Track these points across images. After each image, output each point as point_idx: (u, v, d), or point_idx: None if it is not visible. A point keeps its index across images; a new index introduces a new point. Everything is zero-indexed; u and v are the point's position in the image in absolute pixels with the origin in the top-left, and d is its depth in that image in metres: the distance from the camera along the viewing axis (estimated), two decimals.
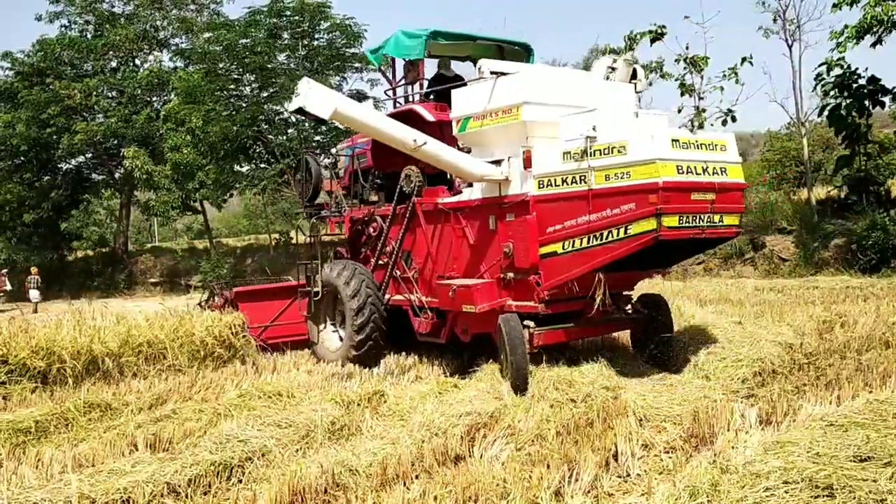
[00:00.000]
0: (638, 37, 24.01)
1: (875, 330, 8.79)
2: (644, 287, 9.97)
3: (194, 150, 27.75)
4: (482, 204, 8.58)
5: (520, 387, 7.20)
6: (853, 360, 7.54)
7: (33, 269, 28.01)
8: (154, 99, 33.43)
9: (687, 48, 23.58)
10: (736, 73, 22.85)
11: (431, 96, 10.13)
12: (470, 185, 8.78)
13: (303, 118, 11.70)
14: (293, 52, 27.71)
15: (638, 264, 8.03)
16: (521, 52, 10.75)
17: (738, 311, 11.91)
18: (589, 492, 4.60)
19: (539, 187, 7.86)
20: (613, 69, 9.03)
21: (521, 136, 8.11)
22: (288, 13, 26.89)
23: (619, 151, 7.18)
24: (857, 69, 19.18)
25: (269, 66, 26.90)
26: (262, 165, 28.56)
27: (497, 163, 8.32)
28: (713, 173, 7.42)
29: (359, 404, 6.75)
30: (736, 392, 6.87)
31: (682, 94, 23.83)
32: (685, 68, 23.63)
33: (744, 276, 19.17)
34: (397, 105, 10.57)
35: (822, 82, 19.83)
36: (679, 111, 24.00)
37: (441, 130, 9.00)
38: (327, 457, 5.32)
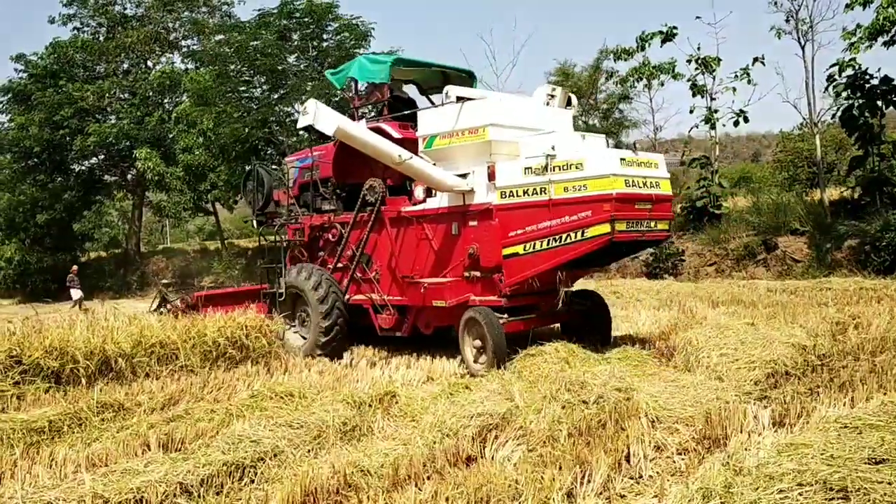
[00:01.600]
0: (649, 37, 24.00)
1: (889, 331, 8.74)
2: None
3: (206, 151, 27.89)
4: (447, 212, 9.78)
5: (499, 364, 8.53)
6: (867, 362, 7.50)
7: (73, 268, 28.01)
8: (166, 101, 33.59)
9: (699, 49, 23.62)
10: (748, 74, 22.83)
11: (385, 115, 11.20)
12: (432, 194, 9.97)
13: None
14: (303, 54, 27.77)
15: (585, 263, 9.60)
16: (467, 79, 12.10)
17: (750, 312, 11.87)
18: (601, 493, 4.59)
19: (501, 197, 9.11)
20: (553, 96, 10.35)
21: (486, 153, 9.33)
22: (297, 14, 26.96)
23: (577, 167, 8.46)
24: (867, 69, 19.10)
25: (279, 67, 26.98)
26: (273, 167, 28.61)
27: (463, 176, 9.50)
28: (650, 186, 8.81)
29: (370, 405, 6.75)
30: (749, 394, 6.83)
31: (694, 95, 23.83)
32: (697, 69, 23.63)
33: (756, 277, 19.10)
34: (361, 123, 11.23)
35: (835, 83, 19.74)
36: (691, 112, 23.99)
37: (404, 146, 9.72)
38: (339, 457, 5.32)
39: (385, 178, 10.58)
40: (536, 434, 5.71)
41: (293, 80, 27.03)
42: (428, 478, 4.93)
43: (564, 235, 8.52)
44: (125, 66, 34.60)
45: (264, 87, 28.33)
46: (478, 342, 8.98)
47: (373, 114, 12.19)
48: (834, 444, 4.61)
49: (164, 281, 13.90)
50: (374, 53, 14.24)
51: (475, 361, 8.96)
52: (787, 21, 22.13)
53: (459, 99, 9.56)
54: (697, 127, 24.30)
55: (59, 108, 30.97)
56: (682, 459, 5.17)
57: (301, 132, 28.25)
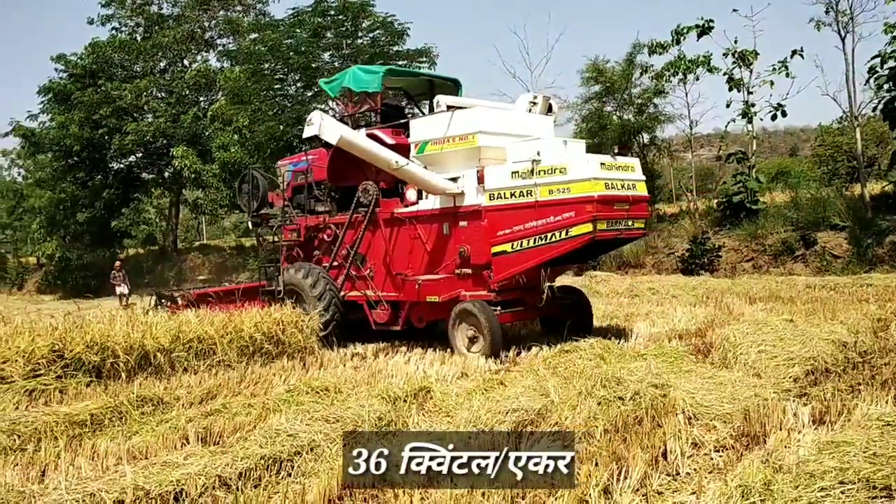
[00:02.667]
0: (685, 31, 23.73)
1: None
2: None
3: (242, 149, 28.12)
4: (439, 213, 10.51)
5: (495, 352, 9.37)
6: None
7: (117, 263, 28.26)
8: (202, 99, 33.95)
9: (735, 42, 23.29)
10: (786, 67, 22.47)
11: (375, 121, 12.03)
12: (424, 196, 10.68)
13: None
14: (337, 51, 27.90)
15: (567, 260, 10.42)
16: (452, 87, 12.71)
17: (788, 308, 11.71)
18: (638, 490, 4.56)
19: (490, 199, 9.85)
20: (535, 103, 11.07)
21: (475, 158, 10.10)
22: (332, 12, 27.08)
23: (560, 171, 9.22)
24: None
25: (313, 65, 27.12)
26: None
27: (454, 179, 10.24)
28: (628, 188, 9.63)
29: (405, 400, 6.76)
30: (788, 391, 6.73)
31: (731, 89, 23.51)
32: (733, 62, 23.31)
33: (794, 273, 18.83)
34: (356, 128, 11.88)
35: (876, 75, 19.37)
36: (727, 106, 23.68)
37: (397, 152, 10.51)
38: None
39: (378, 181, 11.22)
40: (572, 430, 5.68)
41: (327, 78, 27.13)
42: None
43: (549, 234, 9.27)
44: (162, 64, 35.02)
45: (298, 84, 28.50)
46: (471, 332, 9.74)
47: (362, 123, 12.63)
48: (877, 442, 4.54)
49: (162, 292, 14.82)
50: (366, 64, 15.09)
51: (469, 350, 9.74)
52: (827, 13, 21.77)
53: (450, 108, 10.41)
54: (734, 121, 23.99)
55: (97, 107, 31.39)
56: (720, 457, 5.11)
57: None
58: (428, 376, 8.30)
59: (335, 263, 11.78)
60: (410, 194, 10.85)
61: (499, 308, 9.76)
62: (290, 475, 5.04)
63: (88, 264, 33.94)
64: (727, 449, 5.25)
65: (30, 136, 33.66)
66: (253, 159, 27.96)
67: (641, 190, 9.95)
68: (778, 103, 23.20)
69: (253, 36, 30.18)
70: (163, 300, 13.27)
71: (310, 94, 27.90)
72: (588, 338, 9.19)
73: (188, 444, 5.76)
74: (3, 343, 7.97)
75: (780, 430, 5.39)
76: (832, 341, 8.15)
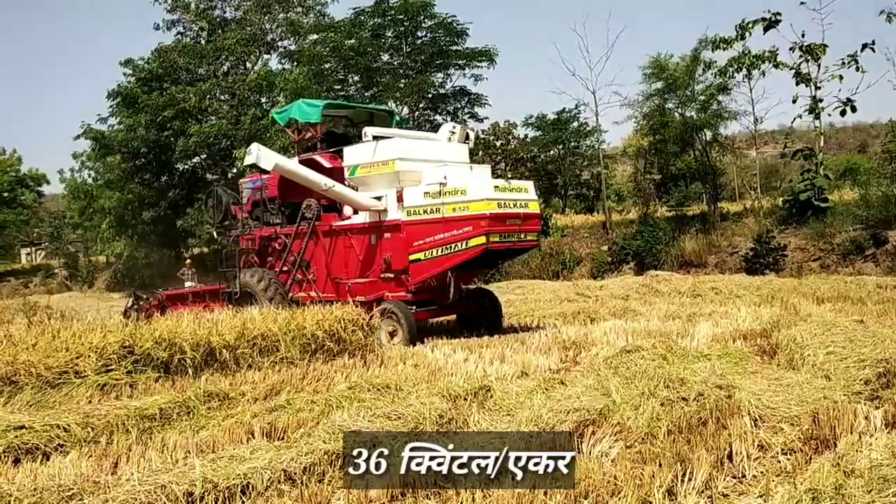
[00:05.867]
0: (750, 25, 23.24)
1: None
2: None
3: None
4: (367, 226, 12.38)
5: (412, 342, 10.90)
6: None
7: (187, 260, 28.88)
8: (263, 100, 34.51)
9: (803, 36, 22.74)
10: (856, 61, 21.88)
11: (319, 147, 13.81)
12: (356, 212, 12.51)
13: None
14: (397, 52, 28.06)
15: (474, 266, 12.22)
16: (387, 116, 15.09)
17: (858, 309, 11.40)
18: (703, 492, 4.49)
19: (408, 215, 11.65)
20: (454, 132, 13.02)
21: (395, 180, 11.96)
22: (392, 12, 27.25)
23: (461, 193, 11.05)
24: None
25: (373, 65, 27.33)
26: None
27: (378, 198, 12.11)
28: (520, 206, 11.38)
29: (465, 399, 6.77)
30: (858, 393, 6.55)
31: (798, 84, 22.96)
32: (801, 57, 22.76)
33: (864, 272, 18.30)
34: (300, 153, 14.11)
35: None
36: (794, 102, 23.13)
37: (333, 174, 12.46)
38: None
39: (320, 198, 12.80)
40: (635, 431, 5.63)
41: (386, 78, 27.33)
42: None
43: (453, 245, 11.07)
44: (225, 67, 35.69)
45: (358, 85, 28.75)
46: (391, 327, 11.26)
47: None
48: None
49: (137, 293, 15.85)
50: (310, 98, 17.18)
51: (390, 341, 11.11)
52: None
53: (375, 138, 12.33)
54: (801, 117, 23.44)
55: (163, 109, 32.14)
56: (788, 459, 5.00)
57: (398, 124, 28.68)
58: (488, 375, 8.29)
59: (284, 269, 13.36)
60: (347, 210, 12.66)
61: (414, 307, 11.40)
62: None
63: (154, 263, 34.78)
64: (795, 452, 5.13)
65: (99, 138, 34.62)
66: None
67: (534, 208, 11.77)
68: (847, 98, 22.61)
69: (313, 37, 30.54)
70: (140, 300, 14.40)
71: (368, 94, 28.14)
72: (499, 335, 11.32)
73: (253, 438, 5.87)
74: (76, 339, 8.21)
75: (851, 433, 5.25)
76: None
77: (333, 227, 12.86)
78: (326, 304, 11.14)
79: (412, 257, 11.55)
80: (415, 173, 11.80)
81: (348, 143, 13.36)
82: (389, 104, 30.43)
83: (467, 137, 13.21)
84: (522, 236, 11.49)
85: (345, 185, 12.43)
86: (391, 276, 11.91)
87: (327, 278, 12.92)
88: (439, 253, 11.20)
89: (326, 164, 12.90)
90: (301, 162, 13.09)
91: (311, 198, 12.83)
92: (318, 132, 13.92)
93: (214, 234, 14.97)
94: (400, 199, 11.76)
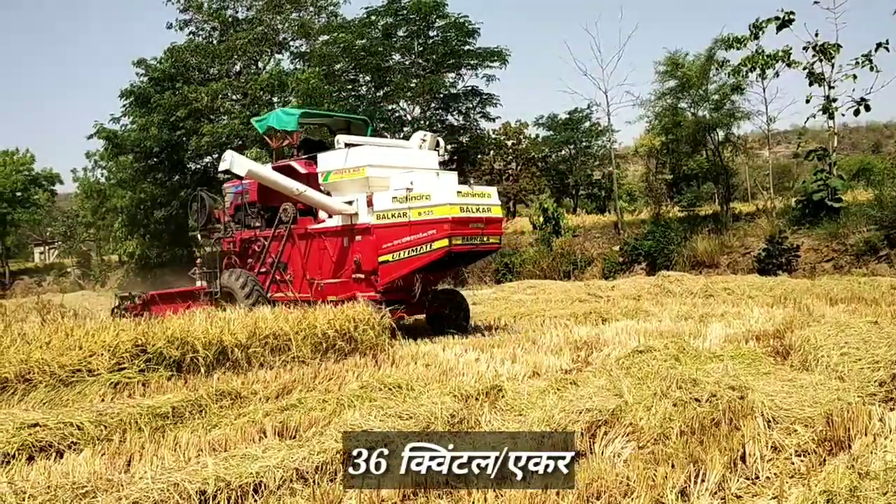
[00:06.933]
0: (763, 24, 23.13)
1: None
2: None
3: None
4: (339, 229, 12.89)
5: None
6: None
7: (198, 260, 28.89)
8: (275, 100, 34.59)
9: (816, 35, 22.61)
10: (870, 61, 21.74)
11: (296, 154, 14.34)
12: (330, 216, 13.02)
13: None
14: (408, 51, 28.07)
15: (440, 268, 12.51)
16: (362, 125, 15.63)
17: (872, 310, 11.33)
18: (716, 493, 4.47)
19: (377, 219, 12.16)
20: (425, 140, 13.64)
21: (365, 186, 12.51)
22: (404, 12, 27.25)
23: (426, 198, 11.55)
24: None
25: (385, 65, 27.34)
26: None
27: (349, 202, 12.65)
28: (483, 211, 11.93)
29: (476, 398, 6.76)
30: (873, 395, 6.49)
31: (811, 84, 22.84)
32: (814, 56, 22.64)
33: (878, 273, 18.17)
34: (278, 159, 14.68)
35: None
36: (807, 101, 23.01)
37: (308, 180, 13.14)
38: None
39: (296, 203, 13.32)
40: (647, 431, 5.61)
41: (398, 78, 27.33)
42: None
43: (418, 247, 11.57)
44: (237, 67, 35.80)
45: (369, 84, 28.78)
46: None
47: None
48: None
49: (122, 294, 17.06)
50: (287, 107, 18.26)
51: None
52: None
53: (347, 145, 12.78)
54: (814, 117, 23.31)
55: (175, 109, 32.27)
56: (802, 461, 4.97)
57: (409, 122, 28.74)
58: (499, 375, 8.28)
59: (263, 270, 13.94)
60: (322, 214, 13.20)
61: (382, 306, 11.44)
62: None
63: (167, 262, 34.91)
64: (809, 453, 5.10)
65: (112, 138, 34.78)
66: None
67: (496, 213, 12.32)
68: (861, 98, 22.48)
69: (324, 37, 30.58)
70: (125, 300, 15.18)
71: (380, 93, 28.16)
72: (464, 335, 11.95)
73: (265, 437, 5.88)
74: (89, 337, 8.26)
75: (866, 435, 5.20)
76: None
77: (309, 231, 13.41)
78: (303, 304, 11.68)
79: (381, 259, 12.07)
80: (384, 179, 12.33)
81: (326, 150, 13.88)
82: (401, 104, 30.49)
83: (438, 145, 13.81)
84: (485, 239, 11.99)
85: (320, 190, 12.99)
86: (361, 276, 12.48)
87: (303, 279, 13.48)
88: (406, 255, 11.73)
89: (302, 170, 13.49)
90: (278, 168, 13.71)
91: (288, 202, 13.39)
92: (295, 139, 14.58)
93: (199, 236, 15.66)
94: (370, 203, 12.31)
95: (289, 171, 13.43)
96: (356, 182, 12.60)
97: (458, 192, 11.77)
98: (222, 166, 12.99)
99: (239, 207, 14.97)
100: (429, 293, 12.63)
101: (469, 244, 11.71)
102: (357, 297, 11.92)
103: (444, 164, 14.14)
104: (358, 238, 12.60)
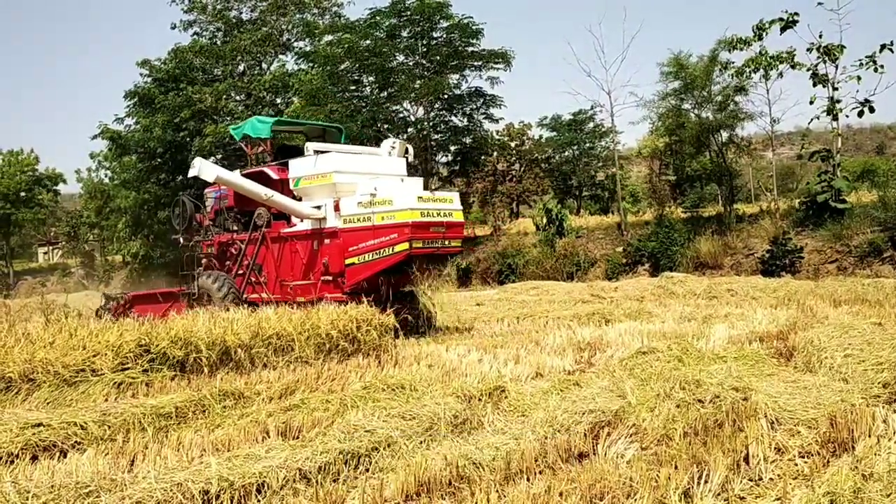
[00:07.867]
0: (767, 25, 23.12)
1: None
2: None
3: None
4: (309, 233, 13.36)
5: None
6: None
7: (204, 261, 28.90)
8: (278, 101, 34.63)
9: (820, 36, 22.58)
10: (874, 62, 21.71)
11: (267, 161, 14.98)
12: (301, 220, 13.43)
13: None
14: (412, 52, 28.07)
15: (400, 271, 12.64)
16: (336, 133, 16.35)
17: (876, 312, 11.29)
18: (719, 494, 4.46)
19: (344, 223, 12.62)
20: (394, 147, 14.17)
21: (333, 191, 12.98)
22: (408, 12, 27.26)
23: (389, 203, 12.03)
24: None
25: (388, 66, 27.34)
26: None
27: (318, 207, 13.11)
28: (444, 216, 12.39)
29: (480, 399, 6.76)
30: (877, 397, 6.47)
31: (815, 85, 22.81)
32: (818, 57, 22.61)
33: (882, 275, 18.13)
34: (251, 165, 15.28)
35: None
36: (811, 103, 22.98)
37: (282, 185, 13.73)
38: (451, 449, 5.35)
39: (270, 208, 13.86)
40: (650, 432, 5.60)
41: (402, 79, 27.33)
42: (540, 472, 4.91)
43: (382, 250, 12.01)
44: (241, 68, 35.85)
45: (373, 85, 28.78)
46: None
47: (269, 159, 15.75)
48: None
49: (106, 293, 18.04)
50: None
51: None
52: None
53: (316, 152, 13.39)
54: (818, 118, 23.27)
55: (179, 110, 32.32)
56: (805, 462, 4.96)
57: (413, 123, 28.70)
58: (502, 376, 8.27)
59: (239, 272, 14.48)
60: (294, 218, 13.57)
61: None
62: (367, 470, 5.11)
63: (170, 262, 34.94)
64: (812, 455, 5.09)
65: (116, 138, 34.87)
66: None
67: (458, 217, 12.82)
68: (865, 99, 22.44)
69: (328, 38, 30.61)
70: (111, 301, 15.65)
71: (384, 94, 28.16)
72: (426, 336, 12.31)
73: (269, 437, 5.89)
74: (93, 337, 8.28)
75: (870, 436, 5.19)
76: None
77: (281, 234, 13.89)
78: (280, 304, 11.88)
79: (348, 261, 12.47)
80: (350, 185, 12.76)
81: (301, 156, 14.30)
82: (405, 105, 30.49)
83: (406, 152, 14.36)
84: (446, 243, 12.46)
85: (292, 195, 13.53)
86: (329, 278, 12.91)
87: (276, 280, 13.96)
88: (370, 258, 12.17)
89: (274, 176, 14.01)
90: (252, 174, 14.24)
91: (262, 207, 13.91)
92: (269, 146, 15.27)
93: (181, 239, 15.91)
94: (337, 208, 12.77)
95: (262, 177, 13.95)
96: (324, 187, 13.05)
97: (420, 197, 12.29)
98: (191, 173, 13.40)
99: (219, 212, 15.51)
100: (390, 295, 12.94)
101: (430, 247, 12.19)
102: (325, 298, 12.40)
103: (416, 169, 14.67)
104: (326, 241, 13.04)
